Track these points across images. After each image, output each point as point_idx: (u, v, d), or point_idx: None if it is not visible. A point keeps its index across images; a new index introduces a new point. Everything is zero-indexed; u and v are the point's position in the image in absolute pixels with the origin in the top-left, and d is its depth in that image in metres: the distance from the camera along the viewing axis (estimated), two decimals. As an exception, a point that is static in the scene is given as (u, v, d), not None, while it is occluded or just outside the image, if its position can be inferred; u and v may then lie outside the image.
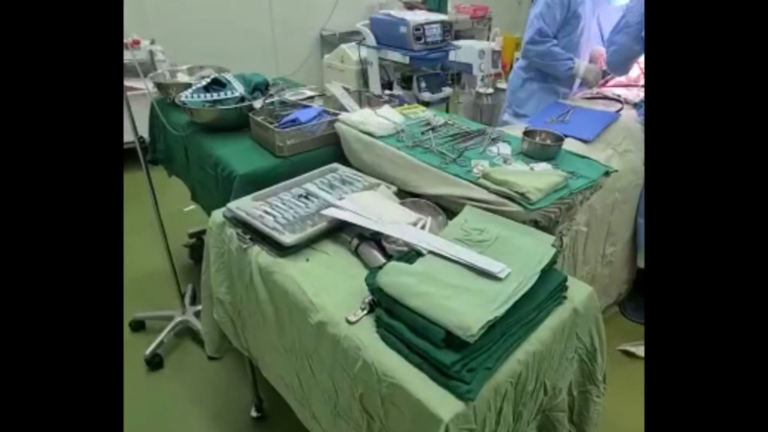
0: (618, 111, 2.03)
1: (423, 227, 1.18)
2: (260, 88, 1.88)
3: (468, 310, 0.83)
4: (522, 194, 1.11)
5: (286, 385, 1.27)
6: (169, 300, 2.18)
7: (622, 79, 2.40)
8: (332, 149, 1.71)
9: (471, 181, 1.22)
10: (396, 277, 0.92)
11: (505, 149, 1.41)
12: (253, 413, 1.75)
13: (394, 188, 1.39)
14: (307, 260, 1.15)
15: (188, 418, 1.78)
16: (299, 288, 1.06)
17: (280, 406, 1.38)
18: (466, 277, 0.94)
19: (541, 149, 1.36)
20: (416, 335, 0.86)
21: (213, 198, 1.74)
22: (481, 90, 3.42)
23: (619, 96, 2.23)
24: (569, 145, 1.75)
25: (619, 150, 1.85)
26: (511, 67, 3.72)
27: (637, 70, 2.31)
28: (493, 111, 3.58)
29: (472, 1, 5.70)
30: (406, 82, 3.21)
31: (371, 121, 1.53)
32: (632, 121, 2.01)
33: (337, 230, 1.24)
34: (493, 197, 1.16)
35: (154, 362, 1.97)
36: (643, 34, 1.84)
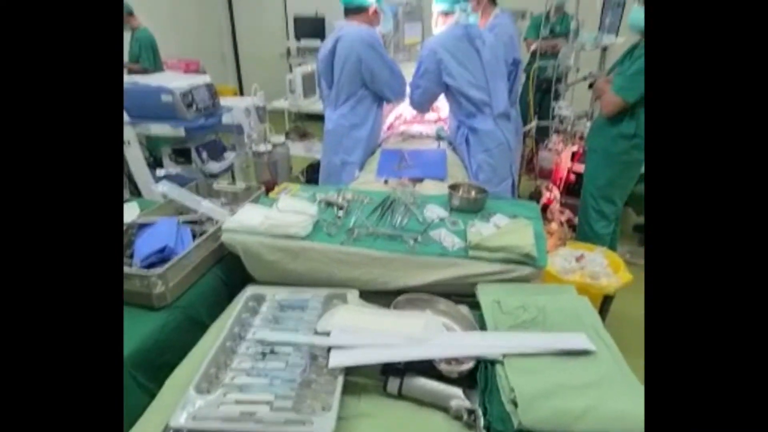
0: (438, 147, 2.23)
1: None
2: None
3: (636, 403, 0.74)
4: (527, 254, 1.07)
5: None
6: None
7: (407, 116, 2.67)
8: (218, 270, 1.27)
9: (462, 257, 1.10)
10: (540, 406, 0.74)
11: (438, 211, 1.34)
12: None
13: (356, 291, 1.13)
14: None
15: None
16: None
17: None
18: (573, 367, 0.84)
19: (474, 202, 1.35)
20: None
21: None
22: (261, 149, 3.19)
23: (421, 132, 2.47)
24: (432, 186, 1.82)
25: (464, 180, 2.04)
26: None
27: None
28: (277, 166, 3.40)
29: (180, 56, 5.27)
30: (183, 156, 2.69)
31: (281, 220, 1.20)
32: (449, 152, 2.24)
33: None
34: (497, 267, 1.08)
35: None
36: (442, 78, 2.07)
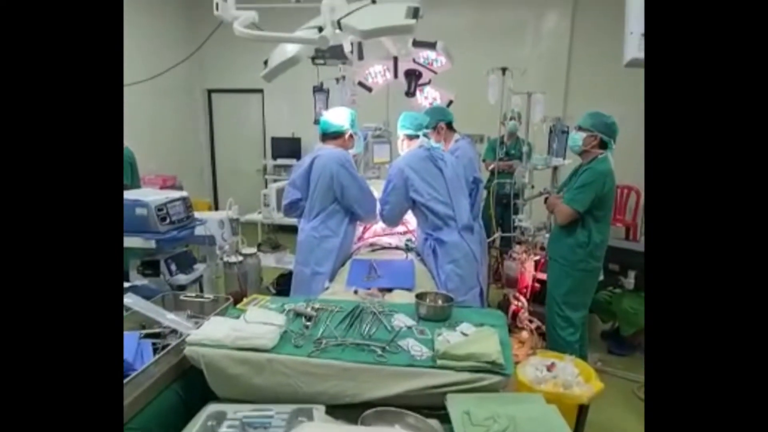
0: (407, 258, 2.30)
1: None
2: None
3: None
4: (493, 362, 1.08)
5: None
6: None
7: (377, 228, 2.77)
8: (177, 387, 1.21)
9: (430, 367, 1.10)
10: None
11: (406, 320, 1.35)
12: None
13: (322, 408, 1.09)
14: None
15: None
16: None
17: None
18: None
19: (440, 311, 1.38)
20: None
21: None
22: (232, 260, 3.21)
23: (390, 244, 2.55)
24: (400, 295, 1.85)
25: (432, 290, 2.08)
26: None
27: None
28: (247, 277, 3.38)
29: (158, 171, 5.48)
30: (151, 268, 2.66)
31: (247, 332, 1.19)
32: (417, 262, 2.31)
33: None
34: (465, 376, 1.08)
35: None
36: (409, 194, 2.23)
